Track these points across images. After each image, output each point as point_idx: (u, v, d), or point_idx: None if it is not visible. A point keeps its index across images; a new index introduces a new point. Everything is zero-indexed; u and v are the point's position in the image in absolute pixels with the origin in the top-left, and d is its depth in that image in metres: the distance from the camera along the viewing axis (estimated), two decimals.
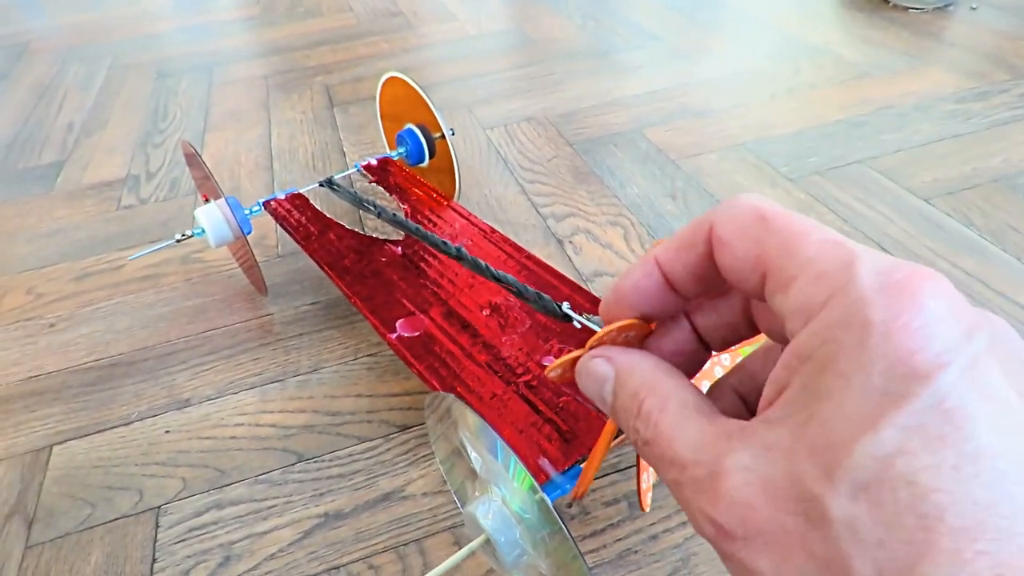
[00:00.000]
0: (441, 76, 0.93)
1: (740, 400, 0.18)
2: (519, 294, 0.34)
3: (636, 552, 0.35)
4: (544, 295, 0.33)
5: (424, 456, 0.41)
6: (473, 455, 0.27)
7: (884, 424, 0.11)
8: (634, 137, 0.73)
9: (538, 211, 0.62)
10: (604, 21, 1.07)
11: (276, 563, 0.36)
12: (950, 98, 0.75)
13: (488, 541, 0.25)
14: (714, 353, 0.30)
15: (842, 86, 0.80)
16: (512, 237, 0.50)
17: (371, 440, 0.42)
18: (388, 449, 0.41)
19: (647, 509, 0.29)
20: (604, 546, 0.36)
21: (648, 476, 0.29)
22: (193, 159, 0.51)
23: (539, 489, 0.23)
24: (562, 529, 0.22)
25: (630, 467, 0.39)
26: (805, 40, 0.94)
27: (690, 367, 0.18)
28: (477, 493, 0.26)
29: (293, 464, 0.41)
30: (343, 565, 0.36)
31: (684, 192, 0.63)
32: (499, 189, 0.66)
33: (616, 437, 0.31)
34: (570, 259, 0.56)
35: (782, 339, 0.15)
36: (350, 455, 0.41)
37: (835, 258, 0.13)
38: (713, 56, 0.92)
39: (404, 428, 0.43)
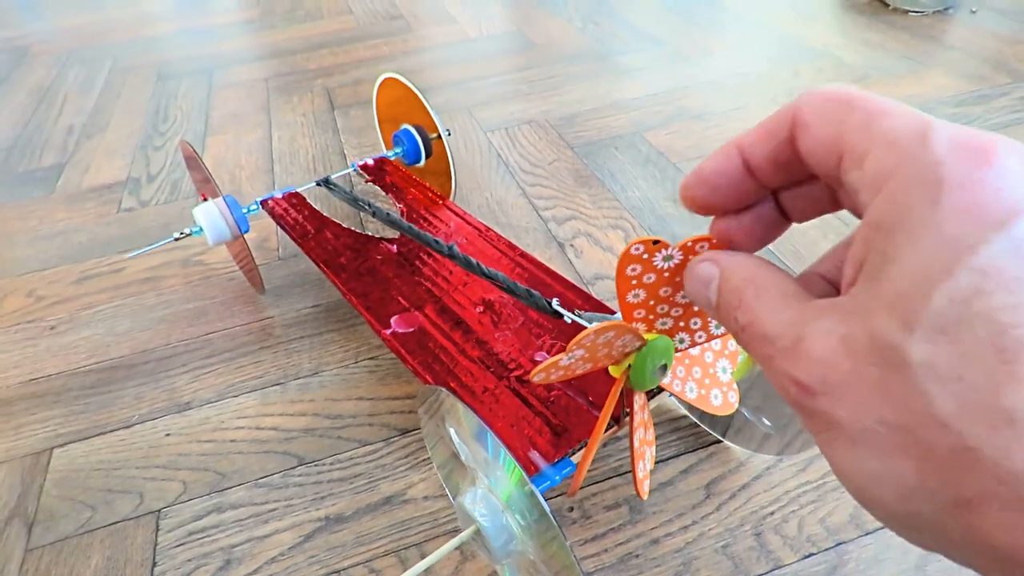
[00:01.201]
0: (441, 79, 0.93)
1: (832, 287, 0.18)
2: (510, 291, 0.34)
3: (637, 556, 0.35)
4: (534, 292, 0.33)
5: (425, 460, 0.41)
6: (462, 447, 0.28)
7: (960, 269, 0.11)
8: (634, 140, 0.73)
9: (539, 214, 0.62)
10: (604, 24, 1.07)
11: (277, 567, 0.36)
12: (950, 101, 0.75)
13: (478, 531, 0.25)
14: (714, 345, 0.29)
15: None
16: (513, 240, 0.50)
17: (372, 443, 0.42)
18: (389, 453, 0.41)
19: (645, 496, 0.29)
20: (605, 550, 0.36)
21: (644, 464, 0.29)
22: (192, 160, 0.51)
23: (527, 479, 0.23)
24: (548, 516, 0.22)
25: (629, 472, 0.39)
26: (805, 43, 0.94)
27: (768, 235, 0.19)
28: (467, 484, 0.26)
29: (294, 467, 0.41)
30: (344, 569, 0.36)
31: None
32: (500, 192, 0.66)
33: (607, 430, 0.31)
34: (571, 262, 0.56)
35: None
36: (351, 458, 0.41)
37: (909, 128, 0.13)
38: (713, 59, 0.92)
39: (405, 432, 0.43)
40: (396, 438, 0.42)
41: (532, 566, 0.27)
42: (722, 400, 0.31)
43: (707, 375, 0.31)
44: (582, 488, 0.38)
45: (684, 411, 0.42)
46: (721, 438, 0.41)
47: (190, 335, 0.52)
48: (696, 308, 0.29)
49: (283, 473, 0.41)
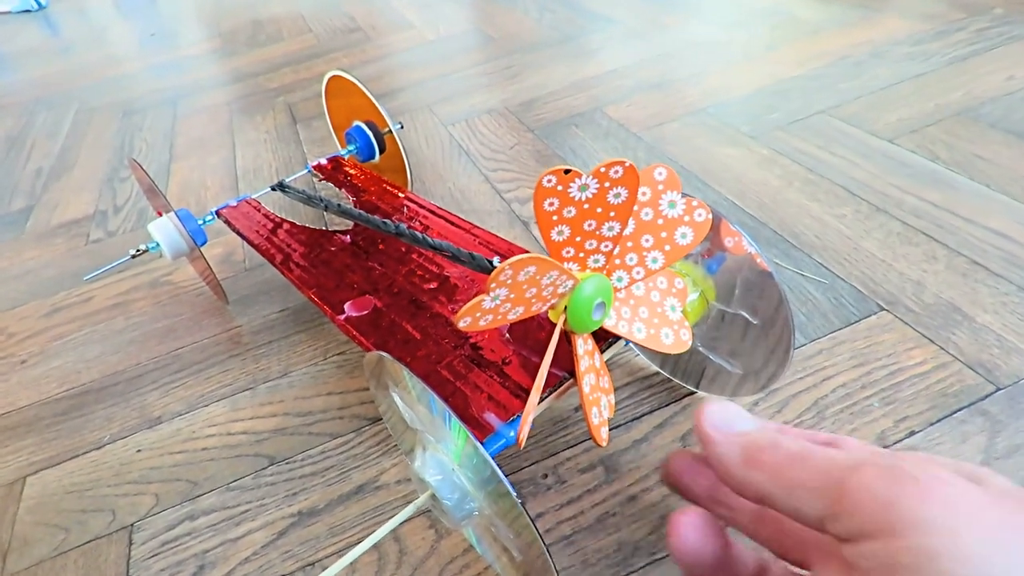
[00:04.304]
0: (401, 81, 0.93)
1: None
2: (454, 257, 0.34)
3: (614, 515, 0.34)
4: (477, 254, 0.33)
5: (396, 445, 0.40)
6: (407, 411, 0.27)
7: None
8: (594, 116, 0.73)
9: (502, 197, 0.62)
10: (560, 12, 1.07)
11: (250, 566, 0.35)
12: (906, 42, 0.75)
13: (434, 496, 0.24)
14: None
15: (797, 43, 0.80)
16: (477, 224, 0.50)
17: (343, 436, 0.41)
18: (360, 442, 0.41)
19: (603, 443, 0.28)
20: (582, 512, 0.35)
21: (598, 411, 0.28)
22: (141, 177, 0.51)
23: (473, 439, 0.22)
24: (495, 472, 0.22)
25: None
26: (758, 5, 0.94)
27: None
28: (418, 448, 0.26)
29: (265, 468, 0.40)
30: (318, 561, 0.35)
31: (647, 161, 0.63)
32: (463, 181, 0.66)
33: (564, 383, 0.30)
34: (536, 239, 0.55)
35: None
36: (322, 452, 0.41)
37: None
38: (668, 32, 0.91)
39: (375, 420, 0.42)
40: (366, 427, 0.42)
41: (491, 524, 0.26)
42: (674, 338, 0.30)
43: (655, 315, 0.30)
44: (555, 454, 0.38)
45: (656, 368, 0.42)
46: (695, 389, 0.40)
47: (159, 352, 0.51)
48: (629, 244, 0.28)
49: (255, 474, 0.40)
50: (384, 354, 0.26)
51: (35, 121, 1.06)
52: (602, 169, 0.24)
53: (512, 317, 0.25)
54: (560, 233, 0.26)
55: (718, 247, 0.32)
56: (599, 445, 0.28)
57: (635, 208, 0.27)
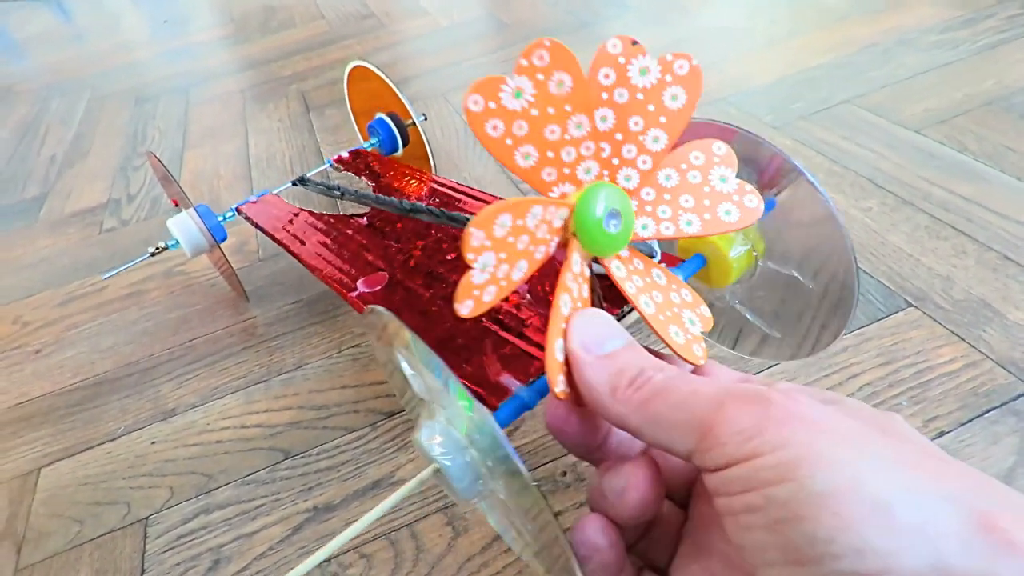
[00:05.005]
0: (415, 69, 0.91)
1: None
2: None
3: None
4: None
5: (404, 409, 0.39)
6: (411, 375, 0.24)
7: None
8: None
9: (517, 187, 0.61)
10: None
11: (266, 561, 0.35)
12: (934, 29, 0.73)
13: (438, 471, 0.21)
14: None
15: (823, 31, 0.78)
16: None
17: (358, 430, 0.41)
18: (375, 437, 0.40)
19: (701, 362, 0.24)
20: None
21: (678, 330, 0.24)
22: (159, 169, 0.50)
23: (478, 407, 0.20)
24: (504, 446, 0.19)
25: None
26: None
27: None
28: (425, 417, 0.23)
29: (280, 462, 0.40)
30: (334, 557, 0.34)
31: None
32: (478, 170, 0.65)
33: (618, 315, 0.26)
34: None
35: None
36: (337, 447, 0.40)
37: None
38: (687, 17, 0.90)
39: (391, 415, 0.41)
40: (382, 422, 0.41)
41: (504, 506, 0.24)
42: (738, 212, 0.25)
43: (703, 196, 0.25)
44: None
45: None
46: (731, 349, 0.37)
47: (173, 343, 0.51)
48: (619, 136, 0.23)
49: (269, 468, 0.40)
50: (385, 311, 0.22)
51: (48, 108, 1.06)
52: (523, 62, 0.21)
53: (518, 277, 0.22)
54: (527, 157, 0.22)
55: (770, 182, 0.28)
56: (694, 364, 0.24)
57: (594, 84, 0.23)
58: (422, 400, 0.25)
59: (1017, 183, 0.50)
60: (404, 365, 0.24)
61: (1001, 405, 0.35)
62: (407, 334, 0.22)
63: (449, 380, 0.21)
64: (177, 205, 0.51)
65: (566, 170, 0.22)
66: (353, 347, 0.47)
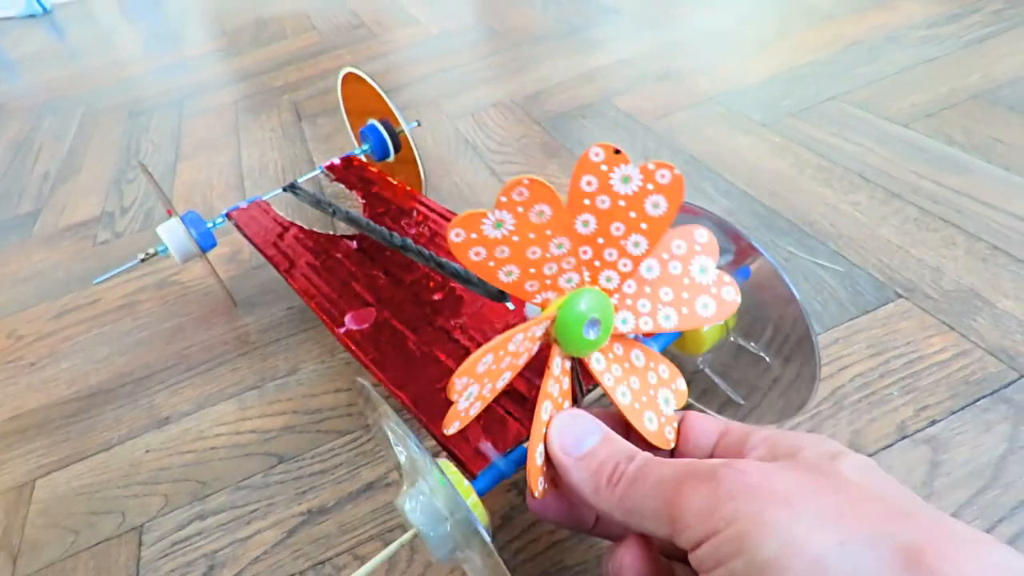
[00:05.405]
0: (407, 77, 0.92)
1: None
2: (466, 281, 0.33)
3: None
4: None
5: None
6: (397, 446, 0.25)
7: None
8: (602, 107, 0.72)
9: None
10: (565, 3, 1.06)
11: (261, 565, 0.35)
12: (921, 25, 0.73)
13: (418, 536, 0.23)
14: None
15: (810, 30, 0.79)
16: None
17: (352, 433, 0.41)
18: (369, 439, 0.40)
19: (671, 446, 0.25)
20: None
21: (652, 416, 0.25)
22: (147, 177, 0.51)
23: (449, 481, 0.21)
24: (475, 527, 0.20)
25: None
26: None
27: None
28: (407, 483, 0.24)
29: (274, 466, 0.40)
30: (329, 559, 0.34)
31: (656, 152, 0.62)
32: (469, 175, 0.65)
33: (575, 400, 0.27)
34: None
35: None
36: (331, 450, 0.40)
37: None
38: (678, 21, 0.90)
39: None
40: None
41: (480, 571, 0.25)
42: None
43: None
44: None
45: None
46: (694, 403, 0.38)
47: (167, 353, 0.51)
48: (601, 240, 0.24)
49: (264, 473, 0.40)
50: (366, 384, 0.24)
51: (42, 125, 1.06)
52: (503, 199, 0.21)
53: (502, 386, 0.23)
54: (509, 275, 0.23)
55: (741, 260, 0.30)
56: (666, 448, 0.25)
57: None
58: (405, 470, 0.26)
59: (1005, 173, 0.50)
60: (390, 435, 0.25)
61: (992, 393, 0.35)
62: (387, 407, 0.23)
63: (426, 456, 0.22)
64: (171, 214, 0.51)
65: (547, 281, 0.23)
66: (345, 352, 0.47)
